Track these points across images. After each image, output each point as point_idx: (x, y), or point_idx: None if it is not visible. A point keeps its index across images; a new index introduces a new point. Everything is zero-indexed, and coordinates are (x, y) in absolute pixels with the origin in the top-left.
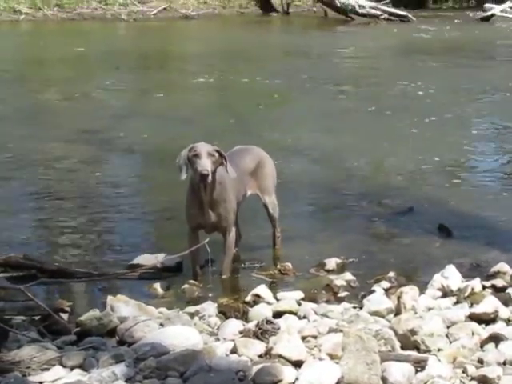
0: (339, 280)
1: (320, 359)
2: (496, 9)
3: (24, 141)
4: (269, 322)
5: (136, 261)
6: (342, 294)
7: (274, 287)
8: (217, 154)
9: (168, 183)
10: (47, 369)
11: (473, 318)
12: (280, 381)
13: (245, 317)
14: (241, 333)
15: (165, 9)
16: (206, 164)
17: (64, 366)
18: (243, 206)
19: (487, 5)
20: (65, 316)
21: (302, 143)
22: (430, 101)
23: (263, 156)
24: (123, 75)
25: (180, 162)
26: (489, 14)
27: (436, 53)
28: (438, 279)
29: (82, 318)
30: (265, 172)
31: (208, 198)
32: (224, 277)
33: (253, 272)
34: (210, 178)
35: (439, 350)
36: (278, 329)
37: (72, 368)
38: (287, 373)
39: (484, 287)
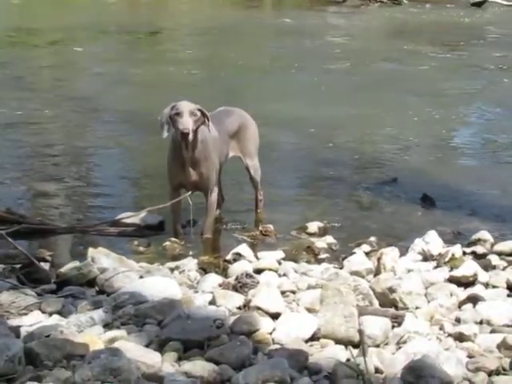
0: (320, 242)
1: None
2: None
3: (13, 103)
4: (248, 275)
5: (118, 218)
6: (323, 255)
7: (255, 247)
8: (199, 113)
9: (151, 147)
10: (26, 314)
11: (452, 280)
12: (257, 330)
13: (224, 273)
14: (220, 286)
15: None
16: (187, 122)
17: (43, 312)
18: (226, 168)
19: None
20: (45, 266)
21: (289, 115)
22: (417, 79)
23: (246, 118)
24: (113, 46)
25: (162, 119)
26: None
27: (424, 35)
28: (418, 243)
29: (62, 269)
30: (248, 134)
31: (190, 156)
32: (205, 236)
33: (234, 233)
34: (190, 136)
35: (417, 308)
36: (258, 283)
37: (51, 314)
38: (265, 323)
39: (464, 253)
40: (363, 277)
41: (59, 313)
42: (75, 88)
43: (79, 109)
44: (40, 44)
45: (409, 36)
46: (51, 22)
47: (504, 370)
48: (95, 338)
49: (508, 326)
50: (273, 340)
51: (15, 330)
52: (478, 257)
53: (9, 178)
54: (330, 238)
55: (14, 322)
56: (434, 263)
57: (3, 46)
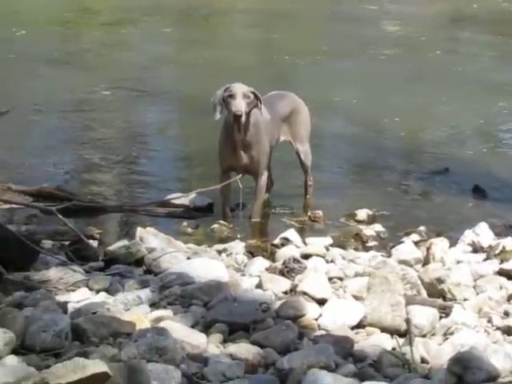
0: (369, 230)
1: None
2: None
3: (62, 83)
4: (296, 260)
5: (167, 198)
6: (371, 243)
7: (303, 232)
8: (252, 96)
9: (202, 129)
10: (73, 290)
11: (502, 273)
12: (303, 315)
13: (272, 257)
14: (267, 270)
15: None
16: (240, 104)
17: (90, 289)
18: (276, 153)
19: None
20: (94, 243)
21: (341, 101)
22: (473, 68)
23: (299, 102)
24: (168, 27)
25: (215, 101)
26: None
27: (483, 24)
28: (469, 235)
29: (110, 247)
30: (299, 119)
31: (241, 139)
32: (254, 220)
33: (283, 217)
34: (243, 118)
35: (465, 299)
36: (305, 268)
37: (98, 291)
38: (311, 308)
39: None
40: (411, 266)
41: (106, 290)
42: (129, 69)
43: (132, 90)
44: (96, 24)
45: (466, 24)
46: (108, 3)
47: None
48: (142, 317)
49: None
50: (318, 326)
51: (63, 306)
52: None
53: (60, 157)
54: (378, 226)
55: (61, 297)
56: (483, 255)
57: (60, 26)
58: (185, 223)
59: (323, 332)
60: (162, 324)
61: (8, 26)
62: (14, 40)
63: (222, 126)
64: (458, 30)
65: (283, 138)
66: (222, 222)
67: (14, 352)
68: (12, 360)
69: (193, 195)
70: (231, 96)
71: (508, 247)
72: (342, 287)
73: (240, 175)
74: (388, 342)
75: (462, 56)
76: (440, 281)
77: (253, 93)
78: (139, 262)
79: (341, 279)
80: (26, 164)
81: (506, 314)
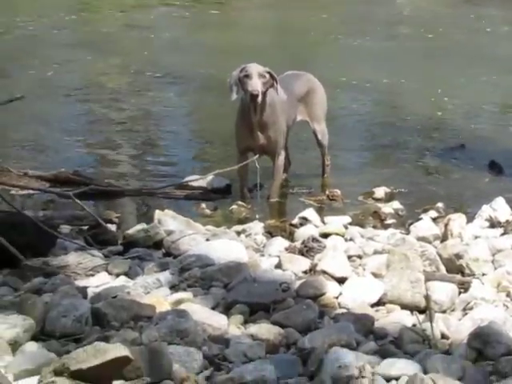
0: (387, 208)
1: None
2: None
3: (84, 67)
4: (315, 239)
5: (185, 181)
6: (389, 221)
7: (321, 212)
8: (268, 75)
9: (220, 110)
10: (93, 275)
11: None
12: (323, 294)
13: (291, 237)
14: (286, 250)
15: None
16: (256, 84)
17: (110, 273)
18: (293, 133)
19: None
20: (112, 227)
21: (357, 80)
22: (488, 45)
23: (314, 82)
24: (182, 11)
25: (231, 82)
26: None
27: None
28: (486, 210)
29: (129, 231)
30: (315, 99)
31: (258, 119)
32: (272, 200)
33: (301, 197)
34: (260, 98)
35: (483, 274)
36: (324, 247)
37: (117, 275)
38: (331, 287)
39: None
40: (430, 243)
41: (126, 274)
42: (147, 52)
43: (149, 73)
44: (110, 10)
45: (481, 0)
46: None
47: None
48: (162, 300)
49: None
50: (339, 304)
51: (82, 291)
52: None
53: (77, 142)
54: (396, 204)
55: (81, 282)
56: (501, 230)
57: (75, 12)
58: (203, 205)
59: (344, 310)
60: (182, 306)
61: (28, 14)
62: (35, 27)
63: (238, 107)
64: (473, 7)
65: (300, 117)
66: (240, 202)
67: (34, 338)
68: (32, 346)
69: (210, 177)
70: (247, 76)
71: None
72: (361, 265)
73: (257, 156)
74: (408, 319)
75: (480, 32)
76: (458, 256)
77: (268, 72)
78: (158, 244)
79: (360, 257)
80: (40, 149)
81: None
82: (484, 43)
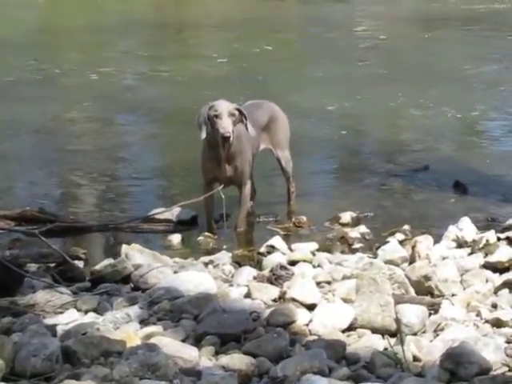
0: (354, 232)
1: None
2: None
3: (42, 103)
4: (283, 267)
5: (151, 214)
6: (357, 245)
7: (288, 239)
8: (237, 113)
9: (183, 142)
10: (62, 312)
11: (487, 266)
12: (294, 321)
13: (259, 266)
14: (255, 278)
15: None
16: (227, 125)
17: (78, 310)
18: (257, 162)
19: None
20: (80, 264)
21: (318, 106)
22: (445, 67)
23: (276, 110)
24: (140, 43)
25: (200, 120)
26: None
27: (454, 23)
28: (452, 230)
29: (96, 267)
30: (278, 126)
31: (226, 153)
32: (239, 229)
33: (267, 225)
34: (232, 139)
35: (453, 295)
36: (292, 274)
37: (86, 312)
38: (301, 314)
39: (499, 239)
40: (398, 265)
41: (95, 310)
42: (105, 86)
43: (110, 106)
44: (67, 44)
45: (437, 24)
46: (77, 22)
47: None
48: (132, 335)
49: None
50: (310, 331)
51: (51, 329)
52: None
53: (40, 178)
54: (363, 228)
55: (50, 320)
56: (468, 250)
57: (31, 47)
58: (170, 237)
59: (315, 337)
60: (152, 340)
61: None
62: None
63: (204, 141)
64: (428, 29)
65: (263, 146)
66: (207, 233)
67: (4, 380)
68: None
69: (176, 209)
70: (217, 116)
71: (491, 240)
72: (330, 291)
73: (222, 186)
74: (380, 343)
75: (436, 55)
76: (427, 278)
77: (237, 109)
78: (126, 279)
79: (329, 283)
80: (4, 188)
81: (494, 306)
82: (443, 66)
